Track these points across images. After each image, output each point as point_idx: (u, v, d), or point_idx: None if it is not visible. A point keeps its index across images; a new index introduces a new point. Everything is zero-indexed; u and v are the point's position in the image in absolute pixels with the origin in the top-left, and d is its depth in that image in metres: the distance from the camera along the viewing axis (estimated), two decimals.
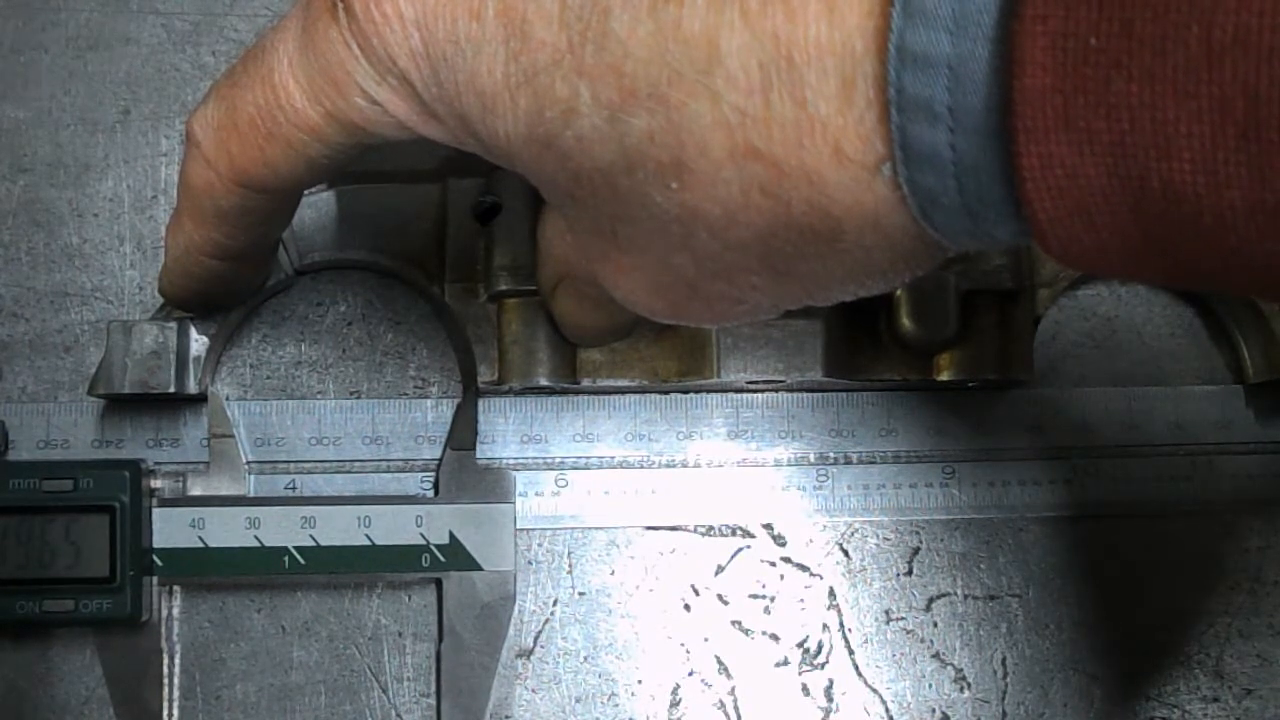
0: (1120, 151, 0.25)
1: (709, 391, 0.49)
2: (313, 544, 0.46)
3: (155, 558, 0.46)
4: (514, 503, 0.47)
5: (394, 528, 0.46)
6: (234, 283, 0.44)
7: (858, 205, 0.29)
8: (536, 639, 0.49)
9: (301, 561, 0.46)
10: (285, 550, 0.46)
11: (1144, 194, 0.25)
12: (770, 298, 0.34)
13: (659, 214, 0.32)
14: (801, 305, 0.34)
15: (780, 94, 0.29)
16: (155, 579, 0.46)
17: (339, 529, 0.46)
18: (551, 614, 0.49)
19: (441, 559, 0.46)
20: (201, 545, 0.46)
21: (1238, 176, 0.24)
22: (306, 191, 0.47)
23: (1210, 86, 0.23)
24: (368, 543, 0.46)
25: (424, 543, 0.46)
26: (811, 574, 0.49)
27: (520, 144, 0.33)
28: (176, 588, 0.48)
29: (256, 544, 0.46)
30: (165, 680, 0.47)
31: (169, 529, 0.46)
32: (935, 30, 0.27)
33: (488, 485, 0.47)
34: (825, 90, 0.28)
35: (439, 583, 0.47)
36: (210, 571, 0.46)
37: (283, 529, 0.46)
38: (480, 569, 0.47)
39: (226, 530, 0.46)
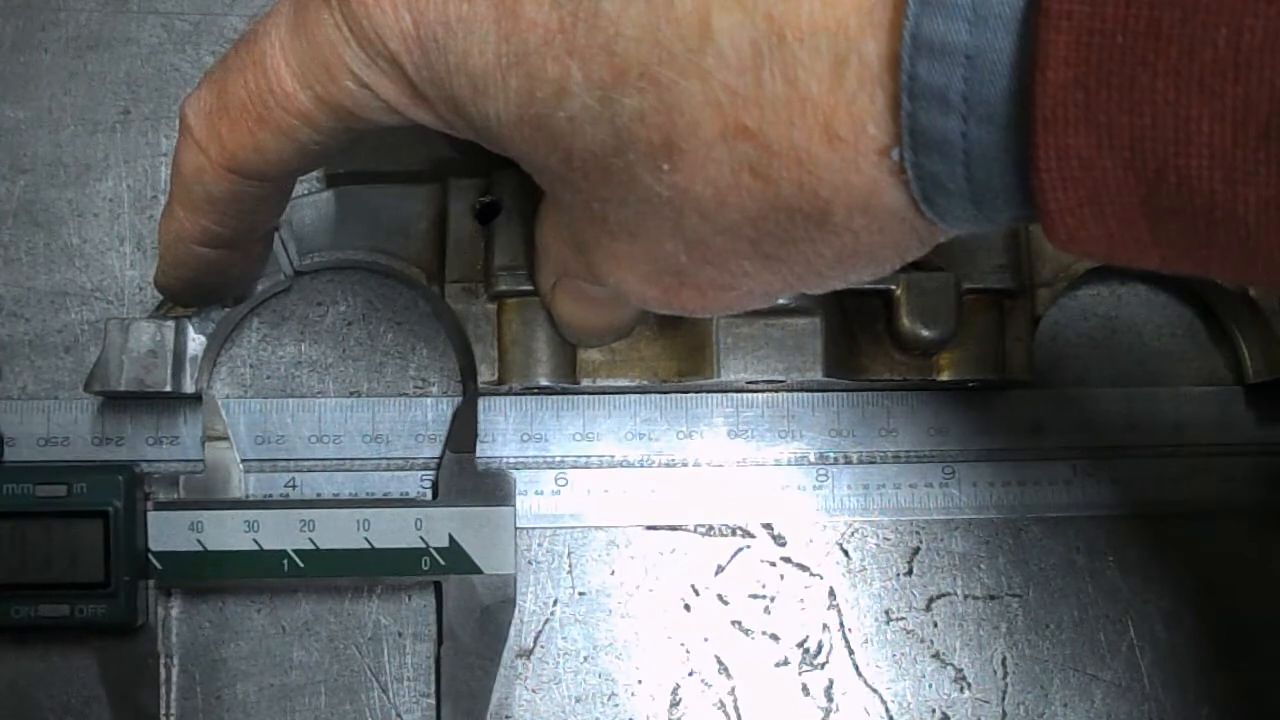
0: (1139, 146, 0.25)
1: (709, 391, 0.49)
2: (311, 547, 0.46)
3: (154, 561, 0.46)
4: (514, 505, 0.47)
5: (393, 531, 0.46)
6: (227, 273, 0.43)
7: (846, 186, 0.29)
8: (536, 639, 0.49)
9: (300, 565, 0.46)
10: (284, 553, 0.46)
11: (1158, 187, 0.26)
12: (761, 284, 0.34)
13: (650, 197, 0.32)
14: (793, 293, 0.35)
15: (772, 72, 0.29)
16: (152, 582, 0.46)
17: (338, 532, 0.46)
18: (551, 614, 0.49)
19: (441, 562, 0.46)
20: (200, 549, 0.46)
21: (1255, 174, 0.24)
22: (307, 192, 0.47)
23: (1236, 87, 0.24)
24: (367, 546, 0.46)
25: (423, 546, 0.46)
26: (811, 574, 0.49)
27: (511, 126, 0.33)
28: (175, 590, 0.48)
29: (255, 547, 0.46)
30: (163, 683, 0.47)
31: (167, 532, 0.46)
32: (954, 20, 0.27)
33: (487, 488, 0.47)
34: (817, 69, 0.28)
35: (438, 586, 0.47)
36: (208, 575, 0.46)
37: (281, 532, 0.46)
38: (480, 572, 0.46)
39: (225, 533, 0.46)
